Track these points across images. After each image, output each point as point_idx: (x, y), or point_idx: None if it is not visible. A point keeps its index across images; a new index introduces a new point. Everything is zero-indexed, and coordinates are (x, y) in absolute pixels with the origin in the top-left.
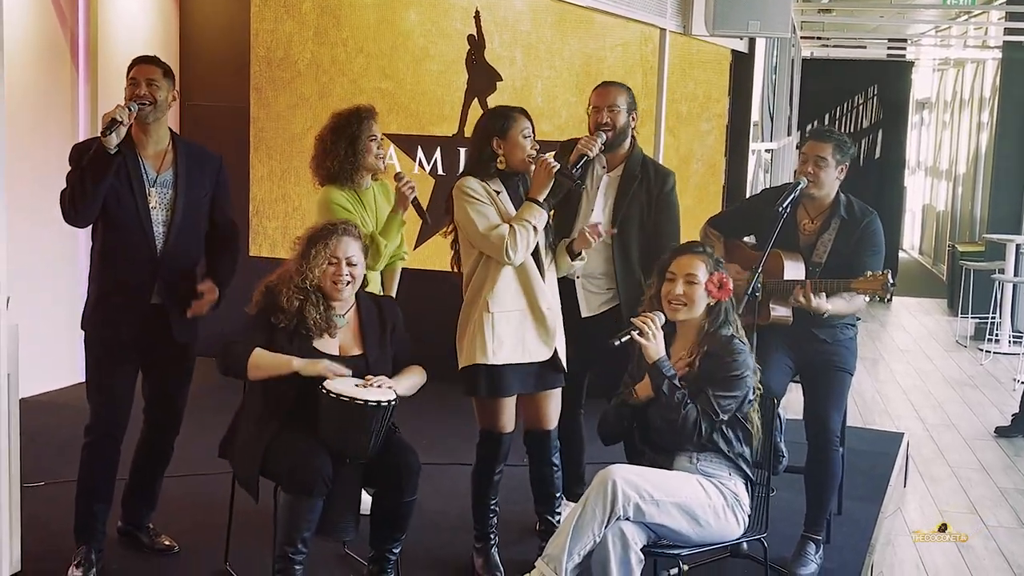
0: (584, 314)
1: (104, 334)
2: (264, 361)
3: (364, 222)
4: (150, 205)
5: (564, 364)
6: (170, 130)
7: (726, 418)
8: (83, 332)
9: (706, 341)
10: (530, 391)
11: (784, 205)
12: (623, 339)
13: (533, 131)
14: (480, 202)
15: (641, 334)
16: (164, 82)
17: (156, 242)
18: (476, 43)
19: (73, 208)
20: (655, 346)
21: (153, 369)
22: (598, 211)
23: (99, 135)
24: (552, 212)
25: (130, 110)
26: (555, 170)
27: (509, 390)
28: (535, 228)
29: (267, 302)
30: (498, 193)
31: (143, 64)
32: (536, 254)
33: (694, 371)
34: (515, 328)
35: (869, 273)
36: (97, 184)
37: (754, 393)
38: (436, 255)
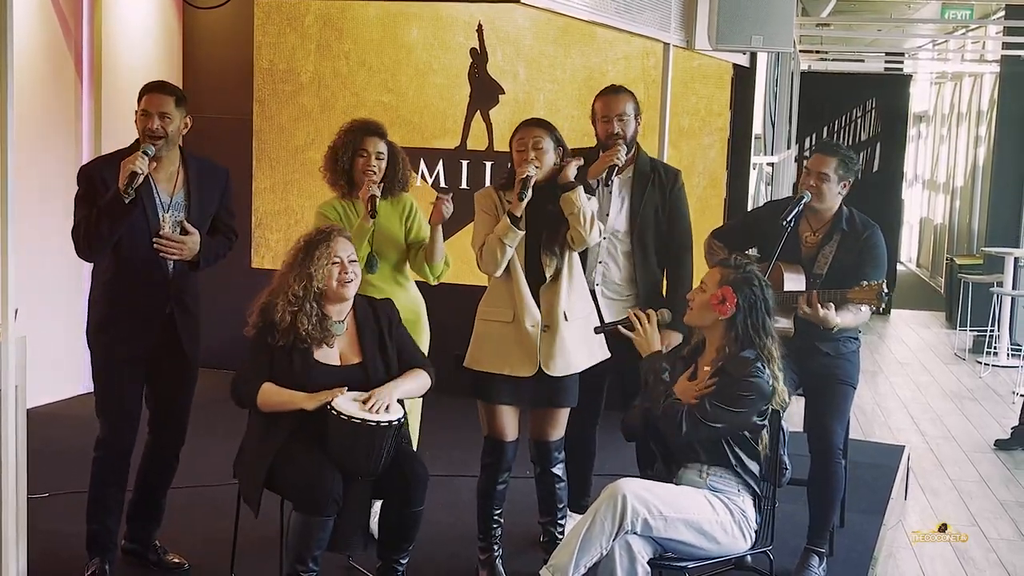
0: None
1: (114, 350)
2: (272, 399)
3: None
4: (163, 231)
5: (555, 370)
6: (179, 147)
7: (719, 427)
8: (89, 349)
9: (723, 359)
10: (524, 406)
11: (788, 219)
12: (607, 328)
13: (552, 140)
14: (482, 213)
15: (630, 328)
16: (176, 112)
17: (168, 265)
18: (479, 57)
19: (88, 248)
20: (646, 341)
21: (159, 381)
22: (615, 213)
23: (119, 187)
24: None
25: (147, 155)
26: (520, 179)
27: (494, 397)
28: (501, 242)
29: (263, 321)
30: (511, 204)
31: (155, 94)
32: (536, 269)
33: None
34: (497, 339)
35: (864, 283)
36: (115, 230)
37: (765, 418)
38: None
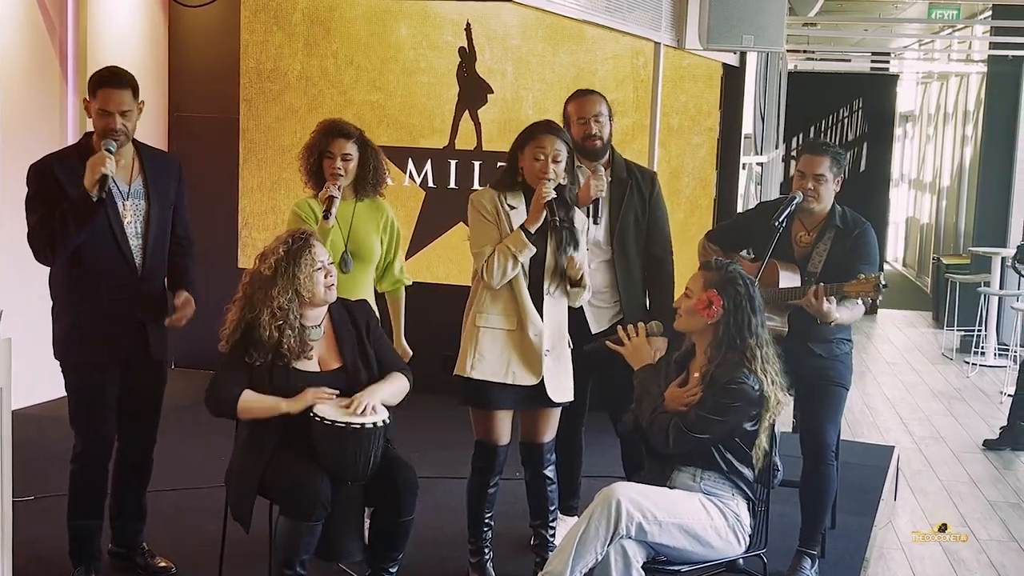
0: (594, 330)
1: (86, 361)
2: (253, 406)
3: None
4: (125, 221)
5: (559, 396)
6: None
7: (705, 438)
8: (58, 362)
9: (713, 366)
10: (524, 408)
11: (780, 220)
12: (596, 344)
13: (568, 151)
14: (482, 218)
15: (619, 343)
16: (135, 106)
17: (135, 259)
18: (467, 56)
19: (52, 252)
20: (635, 354)
21: (129, 386)
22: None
23: (86, 188)
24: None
25: (110, 152)
26: (545, 201)
27: (492, 404)
28: (515, 257)
29: (242, 340)
30: (513, 209)
31: (112, 90)
32: (537, 281)
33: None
34: (500, 348)
35: (861, 276)
36: (81, 232)
37: (757, 423)
38: (425, 267)
